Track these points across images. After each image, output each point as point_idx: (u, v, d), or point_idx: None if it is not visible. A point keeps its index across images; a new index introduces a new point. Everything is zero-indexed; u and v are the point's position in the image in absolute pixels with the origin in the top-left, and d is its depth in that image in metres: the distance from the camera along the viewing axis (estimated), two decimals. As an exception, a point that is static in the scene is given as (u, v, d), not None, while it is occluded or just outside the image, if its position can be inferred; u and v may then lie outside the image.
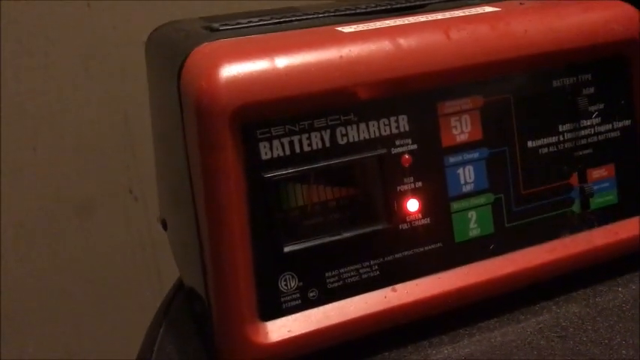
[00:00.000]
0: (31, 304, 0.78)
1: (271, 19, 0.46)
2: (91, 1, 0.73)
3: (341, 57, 0.38)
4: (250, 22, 0.45)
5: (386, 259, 0.40)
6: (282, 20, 0.45)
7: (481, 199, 0.42)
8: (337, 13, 0.47)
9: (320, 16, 0.47)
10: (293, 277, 0.38)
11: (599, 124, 0.44)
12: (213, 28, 0.44)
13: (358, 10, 0.47)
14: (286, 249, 0.38)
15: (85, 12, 0.73)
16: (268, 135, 0.37)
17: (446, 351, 0.39)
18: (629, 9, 0.45)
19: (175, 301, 0.48)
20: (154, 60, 0.49)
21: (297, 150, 0.38)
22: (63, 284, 0.78)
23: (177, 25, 0.49)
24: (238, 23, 0.45)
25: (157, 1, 0.75)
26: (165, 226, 0.52)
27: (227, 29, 0.44)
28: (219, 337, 0.38)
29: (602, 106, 0.44)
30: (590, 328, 0.40)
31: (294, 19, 0.46)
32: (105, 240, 0.79)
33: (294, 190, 0.38)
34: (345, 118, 0.38)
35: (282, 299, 0.38)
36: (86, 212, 0.78)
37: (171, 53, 0.42)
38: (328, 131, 0.38)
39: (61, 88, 0.74)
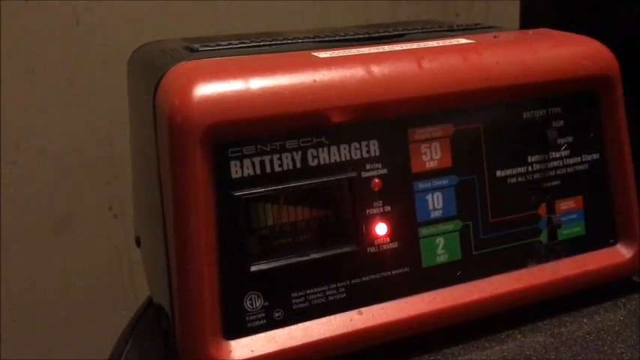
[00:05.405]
0: (5, 319, 0.77)
1: (251, 42, 0.47)
2: (80, 16, 0.73)
3: (314, 81, 0.39)
4: (230, 44, 0.46)
5: (353, 281, 0.40)
6: (261, 44, 0.46)
7: (449, 226, 0.42)
8: (316, 40, 0.48)
9: (299, 41, 0.48)
10: (259, 296, 0.38)
11: (568, 157, 0.45)
12: (193, 48, 0.45)
13: (337, 38, 0.48)
14: (253, 268, 0.38)
15: (73, 29, 0.73)
16: (239, 154, 0.38)
17: (409, 376, 0.40)
18: (599, 46, 0.46)
19: (144, 318, 0.48)
20: (134, 77, 0.50)
21: (268, 170, 0.38)
22: (38, 299, 0.78)
23: (159, 45, 0.50)
24: (218, 45, 0.46)
25: (146, 21, 0.75)
26: (139, 242, 0.53)
27: (206, 50, 0.44)
28: (182, 354, 0.38)
29: (571, 139, 0.45)
30: (553, 357, 0.40)
31: (273, 43, 0.47)
32: (82, 256, 0.79)
33: (264, 209, 0.38)
34: (317, 140, 0.39)
35: (247, 318, 0.38)
36: (65, 228, 0.78)
37: (150, 71, 0.43)
38: (299, 152, 0.39)
39: (45, 103, 0.74)
